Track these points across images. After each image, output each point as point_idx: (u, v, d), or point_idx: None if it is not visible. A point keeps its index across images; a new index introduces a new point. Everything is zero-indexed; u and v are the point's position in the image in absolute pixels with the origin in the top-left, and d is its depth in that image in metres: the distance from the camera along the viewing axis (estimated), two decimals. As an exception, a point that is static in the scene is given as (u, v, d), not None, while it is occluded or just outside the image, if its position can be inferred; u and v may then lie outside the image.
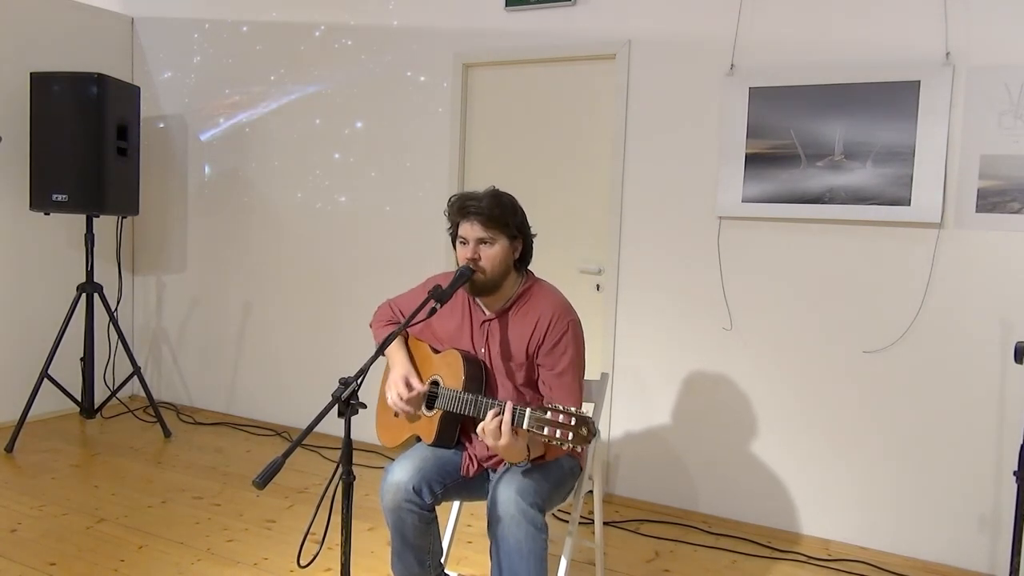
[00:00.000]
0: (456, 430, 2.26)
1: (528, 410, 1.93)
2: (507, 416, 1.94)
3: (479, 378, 2.21)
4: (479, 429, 2.00)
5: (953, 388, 3.01)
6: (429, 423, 2.26)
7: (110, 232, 4.76)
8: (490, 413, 1.97)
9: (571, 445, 1.86)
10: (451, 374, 2.23)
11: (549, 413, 1.89)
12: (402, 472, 2.15)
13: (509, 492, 2.02)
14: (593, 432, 1.87)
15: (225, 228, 4.73)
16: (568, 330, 2.17)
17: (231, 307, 4.76)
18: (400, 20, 4.07)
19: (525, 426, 1.92)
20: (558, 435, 1.86)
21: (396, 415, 2.38)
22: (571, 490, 2.32)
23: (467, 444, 2.28)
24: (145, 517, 3.25)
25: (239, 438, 4.40)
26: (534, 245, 2.28)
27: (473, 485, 2.27)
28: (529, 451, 2.05)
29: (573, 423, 1.86)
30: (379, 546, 3.05)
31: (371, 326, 2.51)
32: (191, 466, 3.90)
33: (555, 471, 2.20)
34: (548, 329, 2.17)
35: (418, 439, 2.31)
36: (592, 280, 3.70)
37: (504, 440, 1.95)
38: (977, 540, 3.00)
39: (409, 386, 2.23)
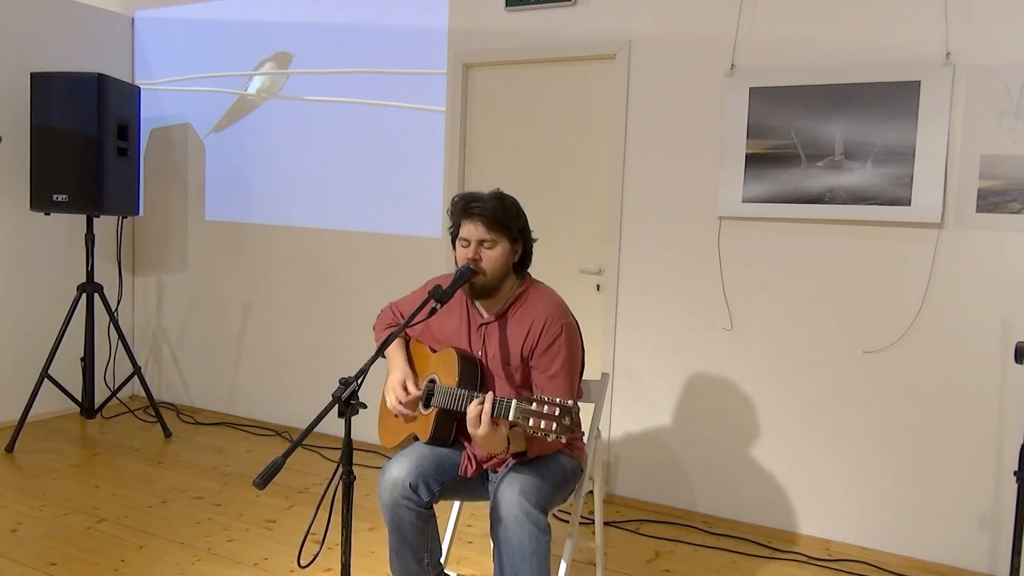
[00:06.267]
0: (452, 427, 2.26)
1: (515, 401, 1.94)
2: (487, 406, 1.95)
3: (474, 374, 2.22)
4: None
5: (953, 388, 3.01)
6: (425, 421, 2.27)
7: (110, 232, 4.77)
8: (474, 401, 1.98)
9: (555, 436, 1.86)
10: (447, 372, 2.24)
11: (534, 404, 1.90)
12: (399, 469, 2.16)
13: (512, 493, 2.02)
14: (576, 422, 1.88)
15: (225, 228, 4.73)
16: (562, 333, 2.16)
17: (231, 307, 4.76)
18: (400, 20, 4.07)
19: (511, 417, 1.93)
20: (542, 426, 1.87)
21: (396, 416, 2.38)
22: (572, 491, 2.31)
23: (466, 443, 2.28)
24: (145, 517, 3.25)
25: (239, 438, 4.40)
26: (534, 249, 2.28)
27: (472, 485, 2.26)
28: (509, 444, 2.05)
29: (557, 413, 1.87)
30: (379, 546, 3.05)
31: (374, 328, 2.52)
32: (191, 466, 3.90)
33: (557, 472, 2.19)
34: (542, 332, 2.16)
35: (416, 438, 2.32)
36: (592, 280, 3.70)
37: (483, 429, 1.95)
38: (977, 540, 3.00)
39: (406, 390, 2.24)
